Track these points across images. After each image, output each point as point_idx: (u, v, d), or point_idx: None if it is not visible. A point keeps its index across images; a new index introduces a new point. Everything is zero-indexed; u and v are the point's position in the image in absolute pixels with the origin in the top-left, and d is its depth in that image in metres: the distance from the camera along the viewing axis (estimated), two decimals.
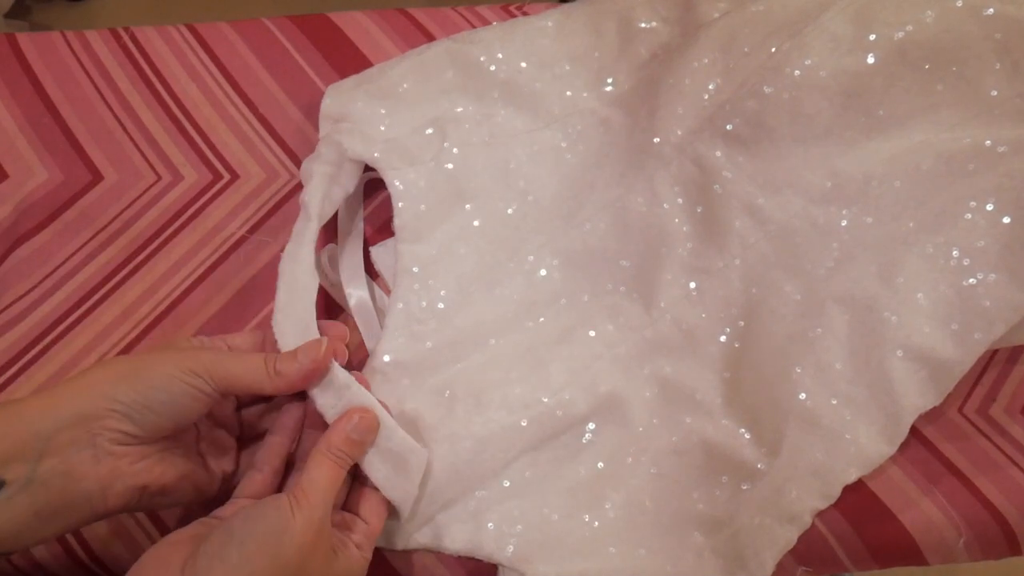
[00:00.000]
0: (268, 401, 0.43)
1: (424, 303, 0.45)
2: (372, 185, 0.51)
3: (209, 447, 0.40)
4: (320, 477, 0.35)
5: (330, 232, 0.50)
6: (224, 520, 0.35)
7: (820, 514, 0.41)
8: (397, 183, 0.47)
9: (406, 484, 0.39)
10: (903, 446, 0.41)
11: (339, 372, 0.39)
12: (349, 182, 0.48)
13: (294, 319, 0.41)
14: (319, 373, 0.38)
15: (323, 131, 0.51)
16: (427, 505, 0.41)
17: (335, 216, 0.50)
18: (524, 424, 0.42)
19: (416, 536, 0.42)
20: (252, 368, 0.37)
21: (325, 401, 0.39)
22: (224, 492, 0.40)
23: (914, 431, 0.42)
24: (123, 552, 0.44)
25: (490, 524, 0.42)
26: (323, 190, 0.46)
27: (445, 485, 0.41)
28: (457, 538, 0.42)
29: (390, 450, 0.39)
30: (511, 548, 0.41)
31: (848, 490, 0.41)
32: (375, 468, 0.39)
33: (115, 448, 0.34)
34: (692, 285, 0.46)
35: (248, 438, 0.43)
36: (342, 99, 0.50)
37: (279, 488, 0.40)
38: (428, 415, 0.43)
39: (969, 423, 0.45)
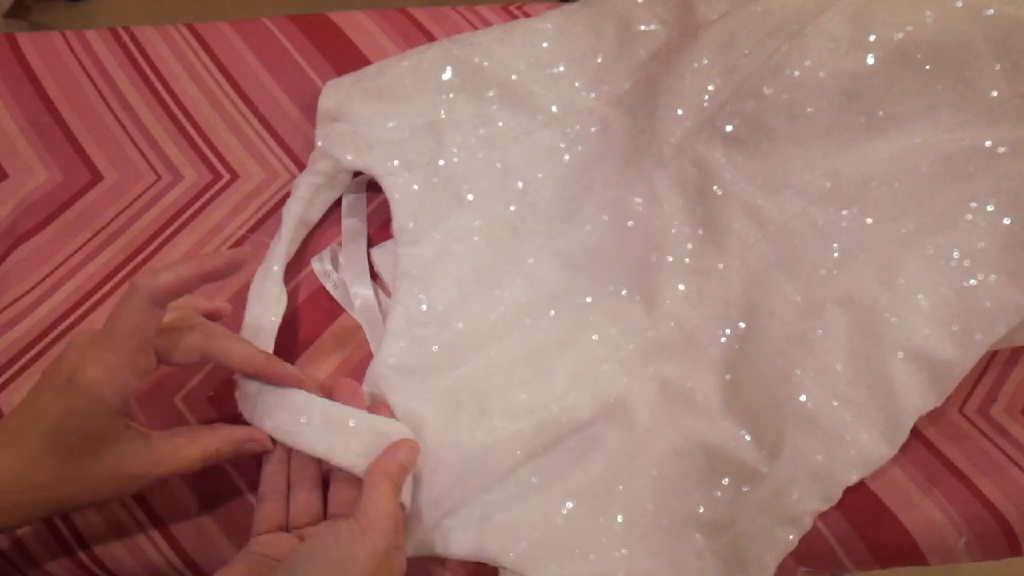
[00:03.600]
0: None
1: (424, 306, 0.45)
2: (372, 185, 0.51)
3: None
4: (383, 503, 0.36)
5: (331, 232, 0.50)
6: (281, 562, 0.35)
7: (821, 514, 0.41)
8: (394, 187, 0.47)
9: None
10: (904, 447, 0.41)
11: (387, 423, 0.41)
12: (341, 186, 0.49)
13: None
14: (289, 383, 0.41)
15: (320, 130, 0.51)
16: (432, 512, 0.41)
17: (337, 216, 0.50)
18: (529, 430, 0.42)
19: (423, 541, 0.42)
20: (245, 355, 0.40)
21: (350, 446, 0.39)
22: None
23: (915, 432, 0.42)
24: (123, 552, 0.44)
25: (495, 529, 0.41)
26: (305, 202, 0.47)
27: (450, 492, 0.41)
28: (463, 543, 0.41)
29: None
30: (515, 552, 0.41)
31: (849, 490, 0.41)
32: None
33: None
34: (692, 286, 0.46)
35: None
36: (340, 97, 0.50)
37: (288, 510, 0.41)
38: (433, 422, 0.42)
39: (970, 423, 0.45)
